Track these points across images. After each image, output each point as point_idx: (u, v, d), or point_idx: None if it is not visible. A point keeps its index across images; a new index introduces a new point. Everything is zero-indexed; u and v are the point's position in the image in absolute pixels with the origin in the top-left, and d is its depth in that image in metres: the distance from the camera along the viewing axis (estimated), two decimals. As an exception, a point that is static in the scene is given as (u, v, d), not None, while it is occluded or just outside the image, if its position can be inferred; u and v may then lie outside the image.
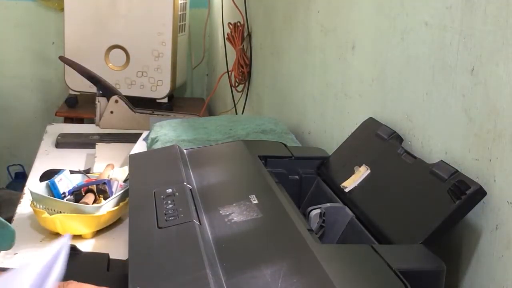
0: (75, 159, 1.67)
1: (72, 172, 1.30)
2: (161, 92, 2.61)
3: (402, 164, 0.87)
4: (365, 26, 1.12)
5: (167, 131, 1.41)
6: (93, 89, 2.14)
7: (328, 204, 0.90)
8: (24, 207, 1.30)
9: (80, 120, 2.65)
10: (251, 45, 2.09)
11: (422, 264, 0.71)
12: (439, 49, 0.85)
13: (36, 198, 1.19)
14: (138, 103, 2.23)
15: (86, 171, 1.43)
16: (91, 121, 2.20)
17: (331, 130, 1.30)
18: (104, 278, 0.83)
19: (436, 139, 0.86)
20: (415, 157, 0.86)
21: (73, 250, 0.85)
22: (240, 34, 2.11)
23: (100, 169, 1.41)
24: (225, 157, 1.09)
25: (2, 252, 1.09)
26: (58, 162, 1.61)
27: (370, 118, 1.03)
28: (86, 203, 1.18)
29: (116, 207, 1.20)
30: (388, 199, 0.85)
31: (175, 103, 2.79)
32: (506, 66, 0.70)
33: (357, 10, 1.17)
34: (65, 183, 1.24)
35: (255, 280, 0.65)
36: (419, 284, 0.67)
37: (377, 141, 0.96)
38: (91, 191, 1.21)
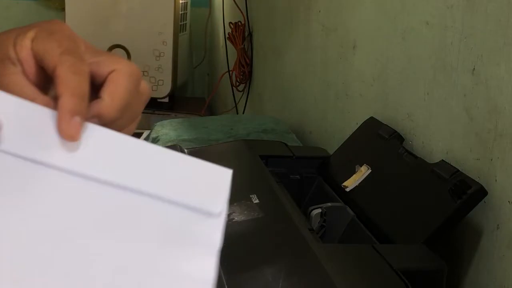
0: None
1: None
2: (162, 91, 2.61)
3: (403, 163, 0.87)
4: (366, 25, 1.12)
5: (168, 131, 1.41)
6: (94, 88, 2.13)
7: (329, 204, 0.90)
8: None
9: (81, 120, 2.65)
10: (252, 45, 2.09)
11: (423, 263, 0.71)
12: (440, 49, 0.85)
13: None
14: (139, 103, 2.22)
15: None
16: (92, 120, 2.19)
17: (332, 130, 1.30)
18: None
19: (437, 138, 0.86)
20: (416, 157, 0.86)
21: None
22: (241, 34, 2.11)
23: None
24: (226, 156, 1.08)
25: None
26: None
27: (371, 117, 1.03)
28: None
29: (117, 207, 1.20)
30: (389, 198, 0.85)
31: (176, 102, 2.79)
32: (507, 66, 0.70)
33: (358, 9, 1.17)
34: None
35: (256, 280, 0.65)
36: (420, 284, 0.67)
37: (378, 141, 0.96)
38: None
